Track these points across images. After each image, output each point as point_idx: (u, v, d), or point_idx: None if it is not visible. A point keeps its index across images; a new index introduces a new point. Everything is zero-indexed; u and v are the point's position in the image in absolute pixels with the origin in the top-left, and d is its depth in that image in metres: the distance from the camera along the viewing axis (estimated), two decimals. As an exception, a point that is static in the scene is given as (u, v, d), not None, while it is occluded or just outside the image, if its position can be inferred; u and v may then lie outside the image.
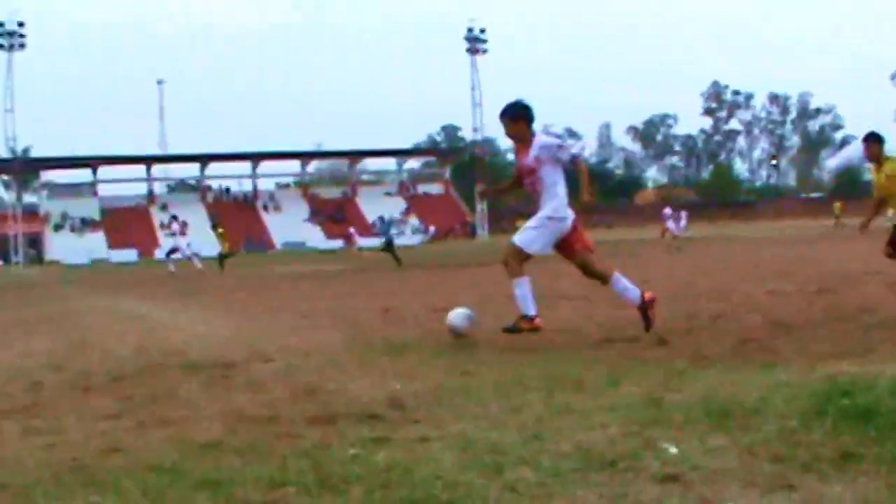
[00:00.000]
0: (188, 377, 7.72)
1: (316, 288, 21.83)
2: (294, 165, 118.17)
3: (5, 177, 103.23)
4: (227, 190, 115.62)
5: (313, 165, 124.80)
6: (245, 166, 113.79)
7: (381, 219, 42.43)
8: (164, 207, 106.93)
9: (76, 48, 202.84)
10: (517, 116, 8.95)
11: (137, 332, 11.82)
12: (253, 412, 6.05)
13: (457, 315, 9.24)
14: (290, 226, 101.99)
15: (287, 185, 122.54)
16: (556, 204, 8.71)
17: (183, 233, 42.07)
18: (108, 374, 8.15)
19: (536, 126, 9.07)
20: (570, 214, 8.76)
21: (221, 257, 38.31)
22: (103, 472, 4.66)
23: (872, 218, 11.93)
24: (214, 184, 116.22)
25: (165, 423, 5.88)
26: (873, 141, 11.41)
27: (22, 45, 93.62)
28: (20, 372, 8.75)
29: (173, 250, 39.11)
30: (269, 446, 5.01)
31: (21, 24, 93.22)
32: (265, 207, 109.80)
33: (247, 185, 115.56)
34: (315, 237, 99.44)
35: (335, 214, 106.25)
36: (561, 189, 8.77)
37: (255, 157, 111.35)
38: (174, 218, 41.58)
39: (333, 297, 15.33)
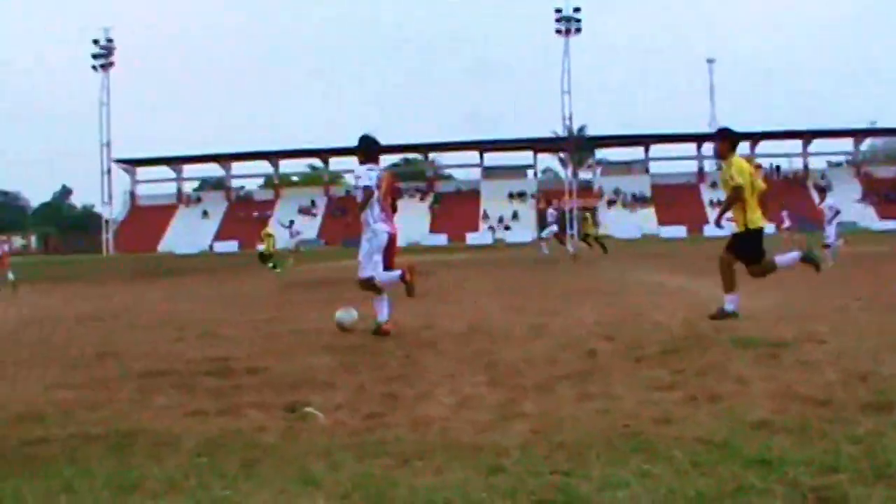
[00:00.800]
0: (738, 353, 7.70)
1: (867, 268, 20.84)
2: (846, 143, 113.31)
3: (562, 154, 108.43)
4: (777, 168, 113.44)
5: (867, 143, 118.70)
6: (796, 144, 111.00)
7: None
8: (713, 185, 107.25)
9: (629, 30, 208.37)
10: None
11: (687, 307, 11.92)
12: (804, 393, 5.89)
13: (342, 314, 10.72)
14: (841, 205, 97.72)
15: (839, 164, 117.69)
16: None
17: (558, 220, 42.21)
18: (659, 346, 8.32)
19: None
20: (379, 230, 10.63)
21: (585, 237, 39.91)
22: (654, 441, 4.76)
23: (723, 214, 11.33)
24: (765, 162, 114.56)
25: (715, 397, 5.90)
26: (721, 138, 11.17)
27: (578, 31, 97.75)
28: (574, 340, 9.17)
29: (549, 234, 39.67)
30: (821, 429, 4.86)
31: (577, 10, 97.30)
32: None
33: (797, 163, 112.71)
34: (867, 218, 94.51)
35: (889, 194, 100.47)
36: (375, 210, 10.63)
37: (806, 135, 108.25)
38: (548, 203, 42.33)
39: (880, 280, 14.48)
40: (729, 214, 10.99)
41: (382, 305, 10.47)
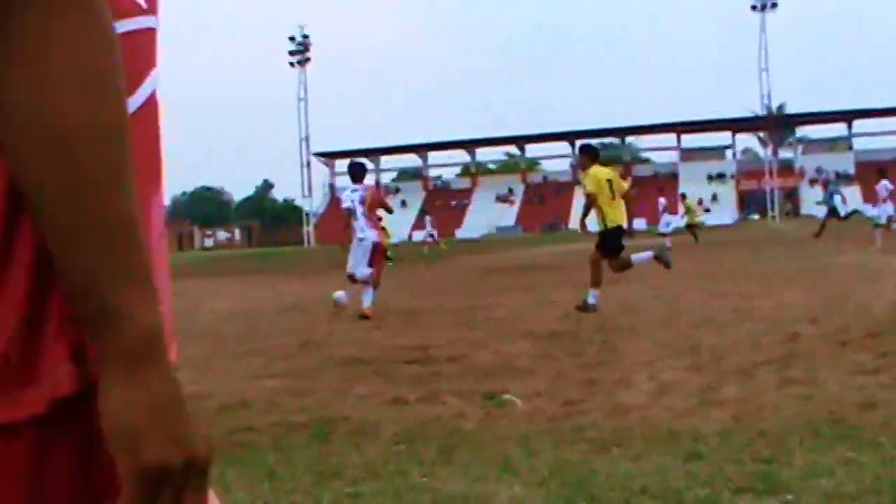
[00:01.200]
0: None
1: None
2: None
3: (761, 133, 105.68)
4: None
5: None
6: None
7: (828, 186, 36.42)
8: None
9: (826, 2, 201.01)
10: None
11: (894, 288, 11.48)
12: None
13: (340, 294, 13.39)
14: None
15: None
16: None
17: (674, 211, 39.72)
18: (865, 329, 8.05)
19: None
20: (367, 236, 12.98)
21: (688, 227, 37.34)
22: (859, 428, 4.62)
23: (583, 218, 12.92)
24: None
25: (926, 382, 5.67)
26: (582, 153, 12.99)
27: (774, 6, 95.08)
28: (777, 324, 8.96)
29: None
30: None
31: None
32: None
33: None
34: None
35: None
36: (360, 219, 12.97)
37: None
38: (682, 196, 39.62)
39: None
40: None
41: (367, 295, 12.44)
